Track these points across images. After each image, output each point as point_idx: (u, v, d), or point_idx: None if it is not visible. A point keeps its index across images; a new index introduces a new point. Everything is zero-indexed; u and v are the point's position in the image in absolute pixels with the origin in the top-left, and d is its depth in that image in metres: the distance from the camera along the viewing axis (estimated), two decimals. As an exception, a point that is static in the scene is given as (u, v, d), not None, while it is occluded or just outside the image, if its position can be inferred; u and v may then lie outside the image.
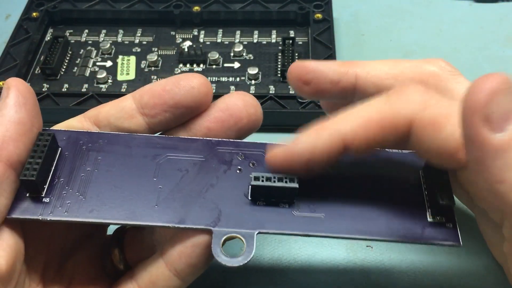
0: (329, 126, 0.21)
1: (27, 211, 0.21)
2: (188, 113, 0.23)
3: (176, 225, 0.21)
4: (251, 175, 0.21)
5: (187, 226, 0.21)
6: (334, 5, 0.44)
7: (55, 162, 0.22)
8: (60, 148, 0.23)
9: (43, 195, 0.21)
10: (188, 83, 0.23)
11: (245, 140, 0.24)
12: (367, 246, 0.30)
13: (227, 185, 0.22)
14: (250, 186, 0.22)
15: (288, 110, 0.36)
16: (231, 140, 0.23)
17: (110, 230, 0.26)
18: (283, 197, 0.22)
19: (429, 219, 0.22)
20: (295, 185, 0.21)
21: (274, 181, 0.21)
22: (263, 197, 0.22)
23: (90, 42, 0.42)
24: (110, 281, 0.24)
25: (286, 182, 0.21)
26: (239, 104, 0.23)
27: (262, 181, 0.21)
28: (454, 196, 0.21)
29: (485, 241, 0.23)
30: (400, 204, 0.22)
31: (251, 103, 0.23)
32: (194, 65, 0.40)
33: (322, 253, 0.30)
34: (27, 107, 0.21)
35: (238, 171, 0.23)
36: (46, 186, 0.22)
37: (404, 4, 0.47)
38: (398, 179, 0.23)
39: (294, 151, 0.21)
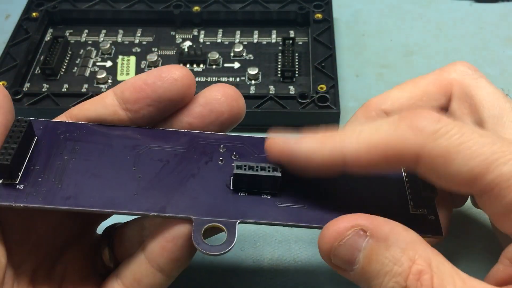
0: (335, 139, 0.20)
1: (0, 197, 0.20)
2: (171, 106, 0.23)
3: (156, 214, 0.21)
4: (233, 164, 0.21)
5: (167, 214, 0.21)
6: (334, 5, 0.44)
7: (30, 150, 0.22)
8: (36, 137, 0.22)
9: (17, 182, 0.21)
10: (170, 76, 0.22)
11: (228, 133, 0.24)
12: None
13: (209, 175, 0.22)
14: (232, 175, 0.22)
15: (288, 110, 0.36)
16: (213, 133, 0.23)
17: (100, 229, 0.26)
18: (266, 187, 0.22)
19: (411, 211, 0.22)
20: (278, 174, 0.21)
21: (257, 170, 0.21)
22: (245, 186, 0.22)
23: (90, 42, 0.42)
24: (102, 280, 0.24)
25: (269, 171, 0.21)
26: (220, 98, 0.23)
27: (245, 169, 0.21)
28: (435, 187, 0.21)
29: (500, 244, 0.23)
30: (382, 197, 0.22)
31: (232, 96, 0.23)
32: (194, 65, 0.40)
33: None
34: (1, 111, 0.21)
35: (220, 162, 0.23)
36: (20, 174, 0.21)
37: (404, 4, 0.47)
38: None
39: (294, 150, 0.20)
